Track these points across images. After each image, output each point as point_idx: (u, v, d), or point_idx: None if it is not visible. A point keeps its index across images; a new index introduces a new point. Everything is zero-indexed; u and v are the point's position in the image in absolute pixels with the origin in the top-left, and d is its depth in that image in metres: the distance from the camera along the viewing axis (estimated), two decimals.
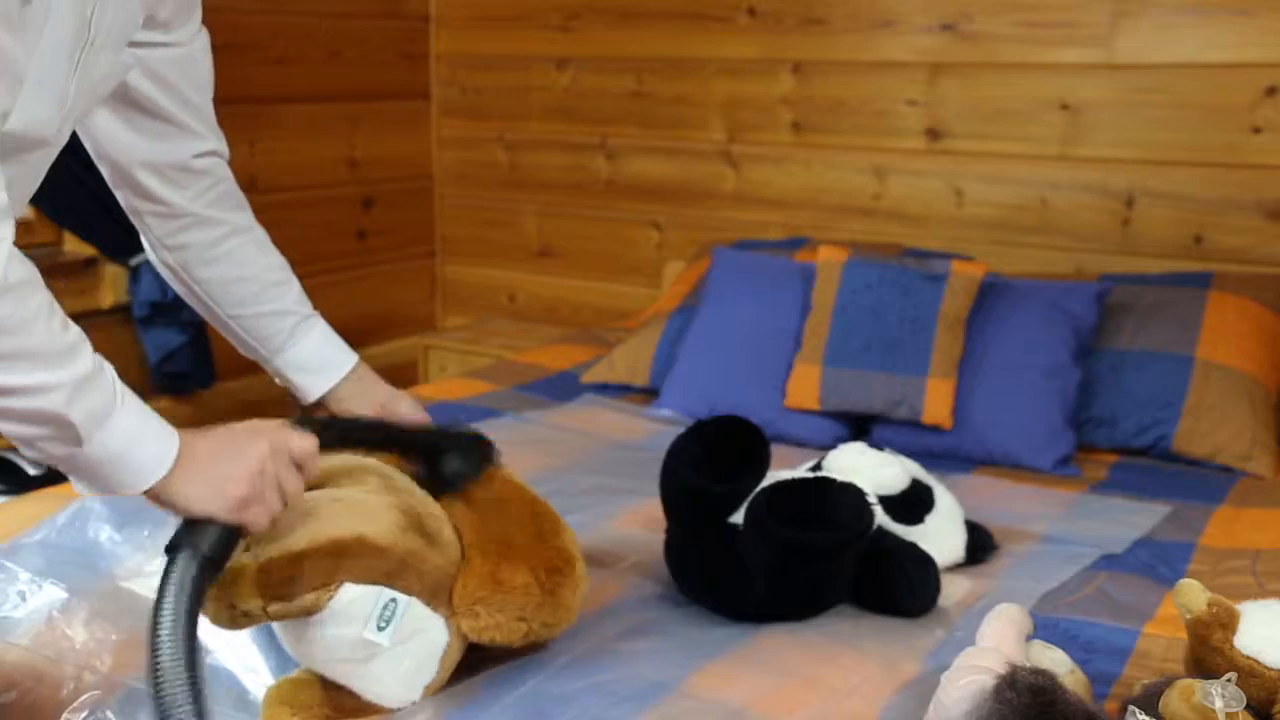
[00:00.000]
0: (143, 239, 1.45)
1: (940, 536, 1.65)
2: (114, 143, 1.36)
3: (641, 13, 3.23)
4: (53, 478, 2.30)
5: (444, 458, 1.37)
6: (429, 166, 3.70)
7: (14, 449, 2.49)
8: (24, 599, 1.45)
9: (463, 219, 3.70)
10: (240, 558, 1.17)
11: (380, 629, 1.21)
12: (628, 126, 3.33)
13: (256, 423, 1.17)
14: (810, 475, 1.63)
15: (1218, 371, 2.24)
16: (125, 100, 1.32)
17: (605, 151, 3.38)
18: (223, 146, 1.44)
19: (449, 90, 3.64)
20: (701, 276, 2.77)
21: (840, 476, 1.61)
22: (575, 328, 3.35)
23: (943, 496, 1.71)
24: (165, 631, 1.03)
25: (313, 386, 1.49)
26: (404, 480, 1.35)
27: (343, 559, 1.20)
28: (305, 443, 1.18)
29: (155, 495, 1.09)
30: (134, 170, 1.37)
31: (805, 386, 2.30)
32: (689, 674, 1.35)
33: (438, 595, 1.27)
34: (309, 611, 1.19)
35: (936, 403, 2.21)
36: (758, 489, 1.51)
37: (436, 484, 1.36)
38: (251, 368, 1.58)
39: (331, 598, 1.19)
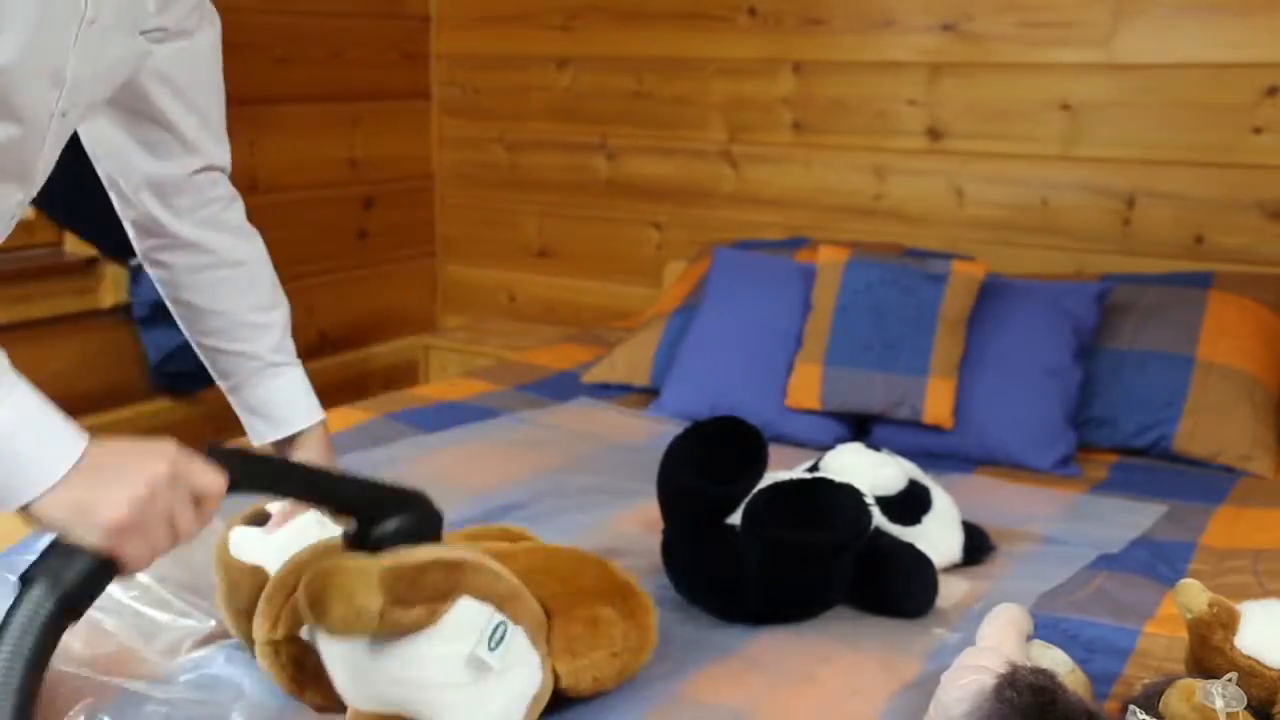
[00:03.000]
0: (134, 245, 1.39)
1: (937, 537, 1.65)
2: (108, 148, 1.30)
3: (641, 13, 3.23)
4: None
5: (386, 516, 1.18)
6: (429, 166, 3.70)
7: None
8: None
9: (463, 219, 3.70)
10: (356, 558, 1.11)
11: (491, 649, 1.16)
12: (628, 126, 3.32)
13: (162, 444, 0.98)
14: (807, 476, 1.62)
15: (1218, 371, 2.24)
16: (127, 106, 1.25)
17: (605, 151, 3.38)
18: (225, 159, 1.36)
19: (449, 90, 3.64)
20: (702, 277, 2.77)
21: (837, 477, 1.61)
22: (575, 328, 3.35)
23: (940, 497, 1.71)
24: None
25: (262, 433, 1.42)
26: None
27: (463, 573, 1.17)
28: (213, 479, 0.99)
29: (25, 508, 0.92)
30: (126, 179, 1.31)
31: (806, 386, 2.30)
32: (688, 676, 1.34)
33: (537, 634, 1.23)
34: (421, 625, 1.14)
35: (937, 403, 2.21)
36: (755, 490, 1.51)
37: (366, 542, 1.17)
38: None
39: (447, 611, 1.15)
